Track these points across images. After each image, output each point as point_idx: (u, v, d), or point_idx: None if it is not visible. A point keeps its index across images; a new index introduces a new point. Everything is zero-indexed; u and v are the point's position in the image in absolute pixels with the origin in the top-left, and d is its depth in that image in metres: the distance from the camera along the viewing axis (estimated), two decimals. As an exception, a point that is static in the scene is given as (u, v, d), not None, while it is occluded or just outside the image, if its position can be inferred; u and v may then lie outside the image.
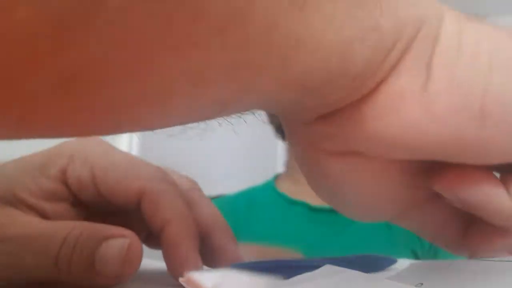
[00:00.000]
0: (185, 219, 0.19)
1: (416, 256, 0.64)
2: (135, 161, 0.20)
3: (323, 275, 0.17)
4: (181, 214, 0.19)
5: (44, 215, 0.19)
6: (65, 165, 0.19)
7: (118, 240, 0.17)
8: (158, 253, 0.23)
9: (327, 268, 0.19)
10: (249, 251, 0.22)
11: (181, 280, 0.16)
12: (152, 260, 0.25)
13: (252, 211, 0.66)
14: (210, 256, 0.20)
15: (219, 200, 0.69)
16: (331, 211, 0.65)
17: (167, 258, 0.18)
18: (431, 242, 0.18)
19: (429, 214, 0.17)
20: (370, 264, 0.24)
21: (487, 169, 0.14)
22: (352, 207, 0.16)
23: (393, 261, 0.27)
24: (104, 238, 0.17)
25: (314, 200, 0.64)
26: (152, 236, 0.21)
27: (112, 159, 0.20)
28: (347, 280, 0.17)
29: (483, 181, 0.14)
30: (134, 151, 0.84)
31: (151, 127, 0.11)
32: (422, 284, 0.16)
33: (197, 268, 0.18)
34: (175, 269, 0.18)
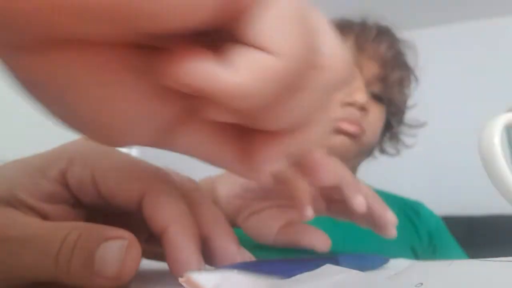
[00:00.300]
0: (186, 221, 0.18)
1: (415, 253, 0.64)
2: (136, 162, 0.20)
3: (323, 275, 0.17)
4: (182, 216, 0.19)
5: (44, 216, 0.19)
6: (65, 167, 0.19)
7: (117, 241, 0.17)
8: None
9: (327, 268, 0.19)
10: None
11: (180, 280, 0.16)
12: (152, 261, 0.25)
13: None
14: (212, 257, 0.20)
15: None
16: None
17: (169, 260, 0.18)
18: (213, 164, 0.16)
19: (199, 131, 0.15)
20: (363, 263, 0.25)
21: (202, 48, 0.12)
22: (99, 129, 0.14)
23: (386, 260, 0.27)
24: (104, 239, 0.16)
25: None
26: (153, 238, 0.21)
27: (112, 161, 0.20)
28: (347, 280, 0.17)
29: (190, 59, 0.12)
30: (134, 151, 0.84)
31: None
32: (422, 284, 0.16)
33: (199, 269, 0.18)
34: (177, 271, 0.18)
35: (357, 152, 0.63)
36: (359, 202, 0.30)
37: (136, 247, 0.17)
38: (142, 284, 0.19)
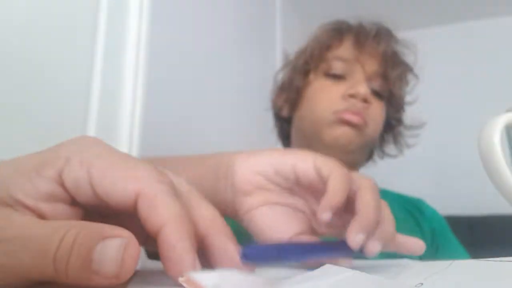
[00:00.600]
0: (181, 220, 0.18)
1: None
2: (133, 161, 0.20)
3: (323, 275, 0.17)
4: (177, 216, 0.18)
5: (41, 216, 0.19)
6: (62, 166, 0.19)
7: (115, 240, 0.16)
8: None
9: (327, 268, 0.19)
10: None
11: (180, 280, 0.16)
12: (152, 260, 0.25)
13: None
14: (210, 257, 0.20)
15: None
16: None
17: (163, 259, 0.18)
18: None
19: None
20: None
21: None
22: None
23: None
24: (102, 238, 0.16)
25: None
26: (151, 238, 0.21)
27: (108, 160, 0.20)
28: (347, 280, 0.17)
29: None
30: (134, 152, 0.84)
31: None
32: (422, 284, 0.16)
33: (193, 269, 0.17)
34: (171, 270, 0.18)
35: (359, 144, 0.63)
36: (356, 240, 0.26)
37: (134, 246, 0.17)
38: (142, 284, 0.19)
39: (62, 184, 0.19)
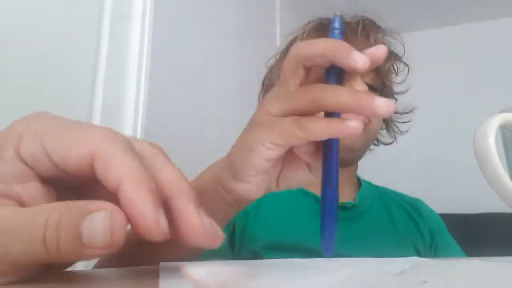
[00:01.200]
0: (139, 176, 0.18)
1: (418, 252, 0.64)
2: (86, 125, 0.20)
3: (328, 272, 0.18)
4: (134, 171, 0.18)
5: (20, 202, 0.19)
6: (17, 144, 0.19)
7: (101, 212, 0.17)
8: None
9: (329, 265, 0.19)
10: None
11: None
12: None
13: (266, 198, 0.66)
14: (173, 217, 0.19)
15: None
16: (339, 206, 0.63)
17: (128, 217, 0.17)
18: None
19: None
20: None
21: None
22: None
23: None
24: (88, 212, 0.16)
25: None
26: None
27: (61, 128, 0.19)
28: (350, 278, 0.17)
29: None
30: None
31: None
32: (426, 282, 0.16)
33: (157, 222, 0.17)
34: (136, 226, 0.17)
35: (364, 142, 0.63)
36: (360, 59, 0.27)
37: (120, 215, 0.17)
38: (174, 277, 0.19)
39: (23, 161, 0.19)
